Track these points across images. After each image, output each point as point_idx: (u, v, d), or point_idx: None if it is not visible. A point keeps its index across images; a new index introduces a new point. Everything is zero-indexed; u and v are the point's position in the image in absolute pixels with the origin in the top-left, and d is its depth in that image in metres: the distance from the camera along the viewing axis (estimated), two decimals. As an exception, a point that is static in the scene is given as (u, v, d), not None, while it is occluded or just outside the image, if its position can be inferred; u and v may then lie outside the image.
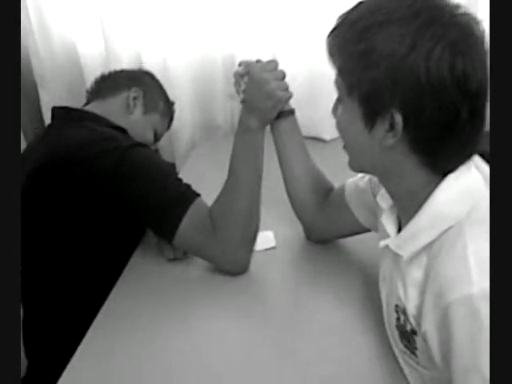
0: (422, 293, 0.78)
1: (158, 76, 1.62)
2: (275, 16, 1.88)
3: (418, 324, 0.79)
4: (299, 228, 1.32)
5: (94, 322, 1.07)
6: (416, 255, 0.82)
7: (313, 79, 1.87)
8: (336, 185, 1.26)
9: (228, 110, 2.08)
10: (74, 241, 1.21)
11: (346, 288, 1.13)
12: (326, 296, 1.12)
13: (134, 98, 1.45)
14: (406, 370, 0.89)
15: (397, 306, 0.87)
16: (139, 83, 1.49)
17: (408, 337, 0.84)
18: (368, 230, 1.16)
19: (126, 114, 1.44)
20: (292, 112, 1.23)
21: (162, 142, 2.07)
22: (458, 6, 0.74)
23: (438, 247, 0.77)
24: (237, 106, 2.03)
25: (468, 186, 0.79)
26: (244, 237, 1.15)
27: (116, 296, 1.15)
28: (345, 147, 0.90)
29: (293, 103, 1.22)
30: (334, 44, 0.82)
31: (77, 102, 1.55)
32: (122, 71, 1.56)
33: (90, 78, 1.59)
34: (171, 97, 1.63)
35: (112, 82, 1.50)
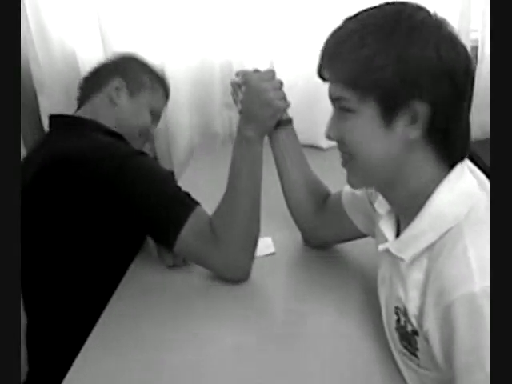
0: (423, 293, 0.79)
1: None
2: (273, 24, 1.90)
3: (420, 324, 0.80)
4: (298, 234, 1.32)
5: (93, 330, 1.06)
6: (416, 258, 0.83)
7: (310, 87, 1.88)
8: (333, 192, 1.27)
9: (226, 117, 2.09)
10: (75, 246, 1.21)
11: (345, 293, 1.13)
12: (324, 301, 1.12)
13: (117, 88, 1.42)
14: (406, 373, 0.90)
15: (397, 307, 0.87)
16: (118, 71, 1.46)
17: (409, 338, 0.85)
18: (365, 235, 1.17)
19: (112, 107, 1.42)
20: (290, 121, 1.24)
21: (161, 150, 2.09)
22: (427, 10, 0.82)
23: (439, 249, 0.79)
24: (234, 114, 2.04)
25: (465, 188, 0.82)
26: (245, 244, 1.15)
27: (115, 303, 1.15)
28: (346, 165, 0.90)
29: (290, 111, 1.23)
30: (333, 60, 0.83)
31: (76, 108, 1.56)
32: (100, 66, 1.51)
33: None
34: (169, 104, 1.63)
35: (93, 82, 1.48)
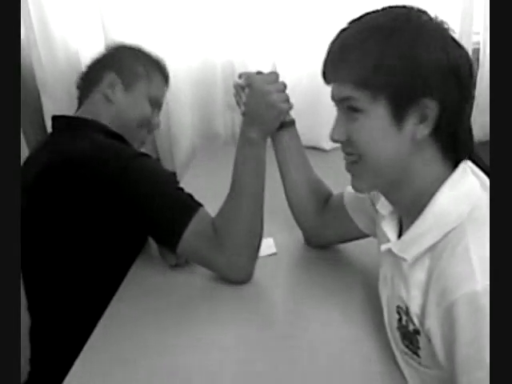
0: (425, 293, 0.80)
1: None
2: (275, 24, 1.91)
3: (422, 323, 0.81)
4: (299, 234, 1.33)
5: (93, 333, 1.06)
6: (419, 257, 0.83)
7: (312, 88, 1.88)
8: (335, 193, 1.27)
9: (228, 118, 2.09)
10: (77, 247, 1.21)
11: (346, 293, 1.14)
12: (326, 301, 1.12)
13: (111, 84, 1.40)
14: (407, 372, 0.90)
15: (398, 307, 0.88)
16: (111, 65, 1.43)
17: (410, 337, 0.85)
18: (366, 236, 1.18)
19: (109, 104, 1.40)
20: (293, 123, 1.25)
21: (163, 150, 2.10)
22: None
23: (441, 248, 0.79)
24: (237, 115, 2.05)
25: (468, 187, 0.83)
26: (248, 246, 1.15)
27: (116, 305, 1.15)
28: (351, 167, 0.90)
29: (293, 113, 1.24)
30: (341, 60, 0.84)
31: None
32: (92, 62, 1.48)
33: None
34: (171, 104, 1.63)
35: (88, 79, 1.46)
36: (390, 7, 0.84)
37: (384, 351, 0.96)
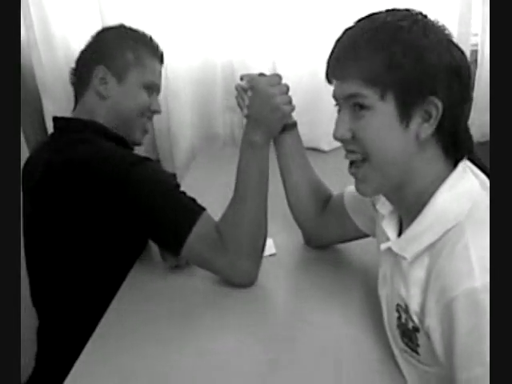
0: (425, 291, 0.80)
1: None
2: (274, 24, 1.91)
3: (421, 321, 0.82)
4: (298, 234, 1.33)
5: (94, 332, 1.07)
6: (418, 256, 0.84)
7: (312, 89, 1.89)
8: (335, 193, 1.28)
9: (227, 118, 2.10)
10: (79, 249, 1.22)
11: (346, 293, 1.14)
12: (326, 302, 1.13)
13: (102, 79, 1.35)
14: (406, 370, 0.91)
15: (398, 305, 0.89)
16: (99, 57, 1.37)
17: (410, 335, 0.86)
18: (366, 236, 1.18)
19: (104, 101, 1.36)
20: (295, 125, 1.25)
21: (163, 151, 2.10)
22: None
23: (440, 247, 0.80)
24: (236, 116, 2.06)
25: (466, 189, 0.83)
26: (251, 249, 1.15)
27: (116, 306, 1.15)
28: (356, 172, 0.90)
29: (292, 114, 1.23)
30: (350, 58, 0.84)
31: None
32: (80, 56, 1.42)
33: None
34: (171, 103, 1.62)
35: (79, 76, 1.41)
36: (395, 9, 0.86)
37: (383, 350, 0.97)
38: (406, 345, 0.88)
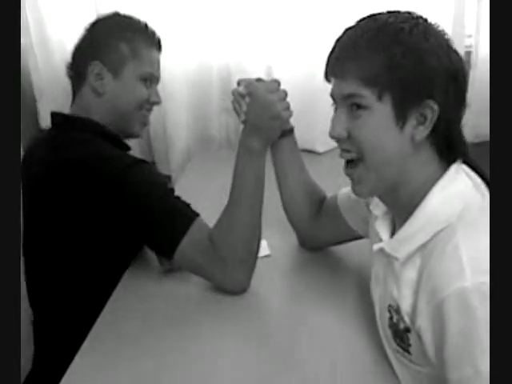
0: (416, 291, 0.81)
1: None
2: (270, 27, 1.92)
3: (412, 321, 0.82)
4: (292, 236, 1.34)
5: (88, 335, 1.06)
6: (410, 256, 0.84)
7: (307, 91, 1.89)
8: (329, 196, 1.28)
9: (223, 120, 2.10)
10: (75, 248, 1.22)
11: (340, 295, 1.14)
12: (320, 303, 1.13)
13: (98, 74, 1.32)
14: (398, 370, 0.91)
15: (390, 305, 0.89)
16: (93, 53, 1.33)
17: (401, 335, 0.86)
18: (360, 237, 1.18)
19: (100, 97, 1.33)
20: (292, 130, 1.25)
21: (158, 153, 2.10)
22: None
23: (432, 248, 0.80)
24: (232, 119, 2.06)
25: (459, 190, 0.84)
26: (245, 258, 1.14)
27: (112, 307, 1.15)
28: (351, 175, 0.90)
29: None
30: (349, 57, 0.84)
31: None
32: (74, 51, 1.38)
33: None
34: (167, 105, 1.61)
35: (75, 71, 1.37)
36: (396, 11, 0.86)
37: (377, 351, 0.97)
38: (398, 345, 0.88)
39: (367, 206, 1.06)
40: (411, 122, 0.82)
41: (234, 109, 1.18)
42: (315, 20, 1.86)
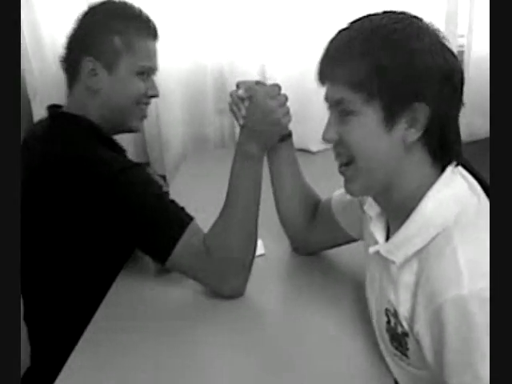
0: (414, 296, 0.81)
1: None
2: (264, 27, 1.92)
3: (410, 326, 0.82)
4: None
5: (81, 337, 1.06)
6: (407, 261, 0.84)
7: (301, 91, 1.89)
8: (323, 196, 1.27)
9: (217, 120, 2.10)
10: (67, 248, 1.22)
11: (335, 294, 1.15)
12: (315, 305, 1.13)
13: (92, 70, 1.27)
14: (396, 372, 0.91)
15: (387, 309, 0.88)
16: (85, 48, 1.28)
17: (399, 339, 0.86)
18: (354, 240, 1.18)
19: (95, 95, 1.29)
20: (290, 135, 1.22)
21: (153, 154, 2.10)
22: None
23: (429, 252, 0.81)
24: (226, 119, 2.06)
25: (454, 193, 0.84)
26: (240, 263, 1.13)
27: (105, 310, 1.15)
28: (344, 173, 0.90)
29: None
30: (336, 63, 0.84)
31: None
32: (67, 45, 1.34)
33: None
34: (161, 105, 1.61)
35: (68, 66, 1.34)
36: (390, 12, 0.85)
37: (373, 353, 0.97)
38: (396, 348, 0.88)
39: (361, 206, 1.06)
40: (402, 125, 0.81)
41: (232, 111, 1.16)
42: (309, 19, 1.86)
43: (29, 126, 1.88)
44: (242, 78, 1.86)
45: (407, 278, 0.83)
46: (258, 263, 1.20)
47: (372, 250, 0.92)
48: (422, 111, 0.80)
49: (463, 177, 0.86)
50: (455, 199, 0.83)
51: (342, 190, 1.13)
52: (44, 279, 1.28)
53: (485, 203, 0.83)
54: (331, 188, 1.20)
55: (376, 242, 0.93)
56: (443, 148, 0.84)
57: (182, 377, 0.97)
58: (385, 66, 0.80)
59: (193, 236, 1.12)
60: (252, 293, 1.17)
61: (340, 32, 0.87)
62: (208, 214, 1.16)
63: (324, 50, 0.87)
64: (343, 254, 1.28)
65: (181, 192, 1.20)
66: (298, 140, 1.81)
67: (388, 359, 0.93)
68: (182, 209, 1.16)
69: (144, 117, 1.40)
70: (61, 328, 1.27)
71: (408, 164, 0.84)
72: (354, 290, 1.15)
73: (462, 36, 1.96)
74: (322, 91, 0.90)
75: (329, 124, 0.89)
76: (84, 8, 1.46)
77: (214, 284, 1.14)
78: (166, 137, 2.05)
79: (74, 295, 1.26)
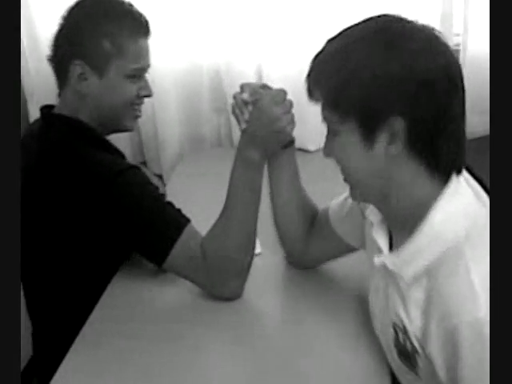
0: (426, 314, 0.79)
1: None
2: (260, 26, 1.92)
3: (422, 346, 0.80)
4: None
5: (77, 338, 1.07)
6: (416, 277, 0.82)
7: (297, 90, 1.88)
8: (320, 194, 1.26)
9: (214, 119, 2.10)
10: (64, 247, 1.22)
11: (333, 295, 1.16)
12: (313, 303, 1.14)
13: (81, 74, 1.24)
14: (401, 378, 0.91)
15: (395, 323, 0.87)
16: (74, 51, 1.24)
17: (408, 355, 0.85)
18: (353, 249, 1.14)
19: (86, 99, 1.26)
20: (292, 142, 1.18)
21: (150, 153, 2.10)
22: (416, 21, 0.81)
23: (438, 267, 0.78)
24: (223, 119, 2.06)
25: (463, 205, 0.81)
26: (236, 268, 1.12)
27: (100, 311, 1.15)
28: (346, 180, 0.90)
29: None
30: (314, 82, 0.83)
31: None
32: (55, 43, 1.29)
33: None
34: (157, 105, 1.59)
35: (55, 67, 1.30)
36: (369, 18, 0.83)
37: (373, 356, 0.97)
38: (404, 363, 0.87)
39: (362, 212, 1.03)
40: (381, 142, 0.79)
41: (234, 114, 1.12)
42: (305, 18, 1.86)
43: (25, 126, 1.89)
44: (239, 77, 1.90)
45: (417, 294, 0.81)
46: (255, 263, 1.19)
47: (378, 261, 0.89)
48: (399, 125, 0.77)
49: (467, 182, 0.84)
50: (465, 213, 0.80)
51: (339, 199, 1.14)
52: (42, 279, 1.28)
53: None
54: (329, 186, 1.19)
55: (379, 249, 0.91)
56: (437, 157, 0.80)
57: (180, 379, 0.97)
58: (354, 85, 0.78)
59: (189, 238, 1.12)
60: (250, 294, 1.17)
61: (317, 54, 0.84)
62: (205, 212, 1.17)
63: (308, 68, 0.85)
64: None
65: (177, 191, 1.21)
66: (295, 139, 1.83)
67: (395, 369, 0.92)
68: (179, 211, 1.16)
69: (138, 116, 1.38)
70: (60, 327, 1.27)
71: (401, 176, 0.82)
72: (354, 290, 1.15)
73: (457, 35, 1.96)
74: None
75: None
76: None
77: (209, 287, 1.14)
78: (163, 137, 2.04)
79: (71, 295, 1.27)
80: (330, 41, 0.84)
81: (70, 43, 1.25)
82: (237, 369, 1.00)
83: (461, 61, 1.94)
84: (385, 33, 0.79)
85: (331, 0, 1.84)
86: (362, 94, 0.77)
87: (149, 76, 1.38)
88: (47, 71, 1.84)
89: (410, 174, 0.82)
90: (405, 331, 0.84)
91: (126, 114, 1.32)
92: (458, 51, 1.95)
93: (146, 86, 1.34)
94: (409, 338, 0.83)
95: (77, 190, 1.13)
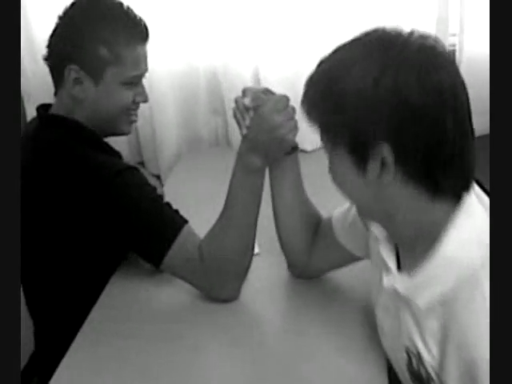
0: (442, 343, 0.77)
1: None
2: (257, 28, 1.92)
3: (438, 375, 0.79)
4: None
5: (75, 338, 1.07)
6: (431, 306, 0.79)
7: (294, 92, 1.88)
8: (319, 194, 1.25)
9: (212, 121, 2.11)
10: (61, 248, 1.22)
11: (332, 295, 1.16)
12: (312, 304, 1.14)
13: (77, 79, 1.22)
14: None
15: (408, 348, 0.85)
16: (71, 55, 1.22)
17: (422, 380, 0.82)
18: (358, 259, 1.12)
19: (81, 103, 1.25)
20: (296, 148, 1.14)
21: (147, 154, 2.11)
22: (411, 32, 0.76)
23: (454, 295, 0.75)
24: (220, 120, 2.07)
25: (476, 231, 0.77)
26: (234, 271, 1.13)
27: (98, 311, 1.15)
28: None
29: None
30: (308, 106, 0.82)
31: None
32: (51, 45, 1.27)
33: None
34: (155, 107, 1.60)
35: (51, 67, 1.29)
36: (365, 34, 0.79)
37: (377, 363, 0.97)
38: None
39: (366, 225, 0.99)
40: (374, 168, 0.76)
41: (236, 118, 1.10)
42: (302, 20, 1.87)
43: (22, 127, 1.89)
44: (235, 79, 1.90)
45: (432, 322, 0.78)
46: (253, 264, 1.18)
47: (387, 283, 0.87)
48: (386, 152, 0.74)
49: (477, 196, 0.79)
50: (478, 240, 0.75)
51: (343, 208, 1.11)
52: (41, 279, 1.29)
53: None
54: (326, 187, 1.18)
55: (386, 267, 0.88)
56: (434, 183, 0.76)
57: (178, 379, 0.97)
58: (340, 111, 0.76)
59: (187, 239, 1.12)
60: (248, 295, 1.17)
61: (309, 77, 0.82)
62: (203, 212, 1.17)
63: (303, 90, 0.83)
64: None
65: (175, 191, 1.21)
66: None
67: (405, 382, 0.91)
68: (177, 212, 1.16)
69: (134, 121, 1.37)
70: (60, 326, 1.28)
71: (402, 201, 0.79)
72: (354, 290, 1.16)
73: (453, 35, 1.97)
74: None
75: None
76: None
77: (206, 288, 1.14)
78: (160, 138, 2.05)
79: (70, 295, 1.27)
80: (322, 61, 0.81)
81: (66, 45, 1.24)
82: (234, 369, 1.00)
83: (457, 61, 1.95)
84: (377, 54, 0.75)
85: (327, 2, 1.85)
86: (350, 118, 0.75)
87: (146, 78, 1.38)
88: (44, 72, 1.85)
89: (411, 199, 0.78)
90: (419, 357, 0.82)
91: (121, 119, 1.32)
92: (453, 51, 1.96)
93: (143, 92, 1.34)
94: (424, 367, 0.81)
95: (74, 191, 1.13)
